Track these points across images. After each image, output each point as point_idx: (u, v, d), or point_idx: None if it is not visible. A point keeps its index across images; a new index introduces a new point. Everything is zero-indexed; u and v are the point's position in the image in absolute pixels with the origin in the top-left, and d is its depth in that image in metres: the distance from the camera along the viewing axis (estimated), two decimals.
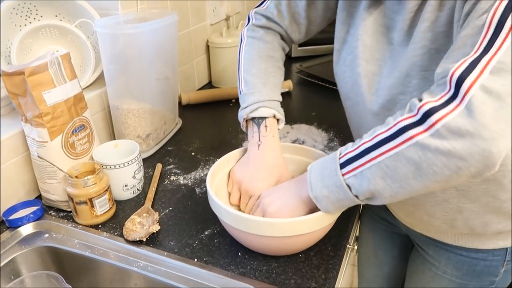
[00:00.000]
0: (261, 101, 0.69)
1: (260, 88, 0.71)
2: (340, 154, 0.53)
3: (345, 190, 0.52)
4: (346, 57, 0.65)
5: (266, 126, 0.69)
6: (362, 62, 0.62)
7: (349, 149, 0.52)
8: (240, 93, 0.73)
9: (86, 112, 0.77)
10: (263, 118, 0.69)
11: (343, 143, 0.97)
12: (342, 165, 0.52)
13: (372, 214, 0.88)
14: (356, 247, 0.85)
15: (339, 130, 1.04)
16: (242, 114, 0.71)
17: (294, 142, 0.98)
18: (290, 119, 1.11)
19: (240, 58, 0.75)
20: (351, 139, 0.59)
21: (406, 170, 0.46)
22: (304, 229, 0.58)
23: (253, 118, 0.70)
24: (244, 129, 0.74)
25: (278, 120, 0.71)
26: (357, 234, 0.94)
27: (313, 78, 1.37)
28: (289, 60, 1.62)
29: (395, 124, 0.47)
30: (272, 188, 0.65)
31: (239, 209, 0.69)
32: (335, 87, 1.33)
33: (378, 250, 0.90)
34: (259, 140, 0.68)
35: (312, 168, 0.57)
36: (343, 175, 0.52)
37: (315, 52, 1.55)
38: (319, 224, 0.59)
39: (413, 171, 0.46)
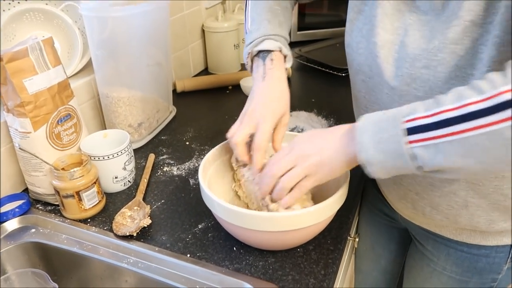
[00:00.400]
0: (266, 35, 0.65)
1: (266, 24, 0.66)
2: (405, 116, 0.45)
3: (407, 160, 0.44)
4: (362, 27, 0.59)
5: (272, 59, 0.63)
6: (380, 32, 0.56)
7: (421, 114, 0.44)
8: (246, 33, 0.69)
9: (73, 101, 0.73)
10: (269, 51, 0.64)
11: None
12: (410, 131, 0.44)
13: (370, 207, 0.85)
14: (357, 239, 0.82)
15: (340, 117, 1.00)
16: (246, 50, 0.66)
17: (292, 130, 0.94)
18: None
19: (247, 1, 0.72)
20: None
21: (499, 153, 0.40)
22: (304, 222, 0.55)
23: (258, 54, 0.65)
24: (248, 69, 0.68)
25: (285, 57, 0.66)
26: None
27: (313, 63, 1.32)
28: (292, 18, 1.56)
29: (494, 95, 0.39)
30: (309, 133, 0.55)
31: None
32: (335, 72, 1.30)
33: (376, 244, 0.87)
34: (264, 73, 0.63)
35: (363, 127, 0.48)
36: (409, 142, 0.44)
37: (315, 37, 1.50)
38: (320, 217, 0.56)
39: (506, 154, 0.39)
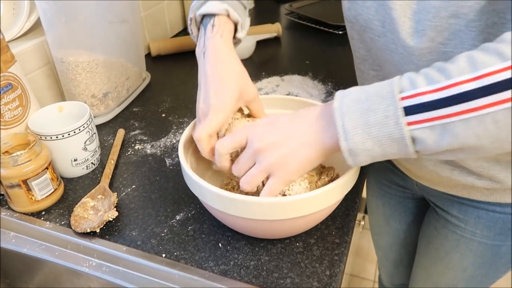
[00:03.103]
0: None
1: None
2: (401, 91, 0.36)
3: (404, 144, 0.36)
4: None
5: (213, 26, 0.51)
6: None
7: (424, 88, 0.35)
8: None
9: (14, 67, 0.59)
10: (211, 16, 0.51)
11: None
12: (408, 110, 0.35)
13: (379, 179, 0.75)
14: (362, 223, 0.72)
15: (339, 81, 0.87)
16: (189, 14, 0.53)
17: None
18: (280, 70, 0.93)
19: None
20: None
21: None
22: (312, 208, 0.44)
23: (202, 20, 0.53)
24: (194, 39, 0.56)
25: (236, 24, 0.53)
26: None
27: (305, 20, 1.17)
28: (276, 0, 1.41)
29: None
30: (272, 119, 0.45)
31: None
32: (331, 30, 1.16)
33: (391, 219, 0.78)
34: (204, 45, 0.51)
35: (343, 108, 0.38)
36: (408, 124, 0.35)
37: None
38: (327, 202, 0.45)
39: None
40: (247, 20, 0.55)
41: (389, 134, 0.36)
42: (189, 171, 0.46)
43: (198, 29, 0.54)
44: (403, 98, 0.35)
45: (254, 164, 0.43)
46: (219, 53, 0.50)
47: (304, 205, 0.43)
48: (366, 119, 0.37)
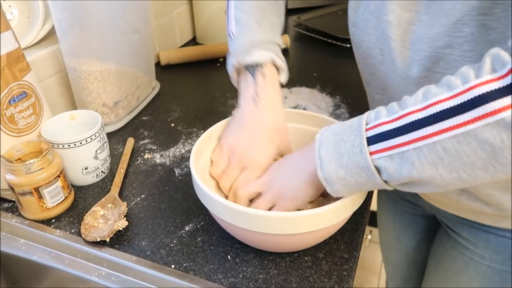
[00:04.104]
0: (254, 42, 0.53)
1: (255, 27, 0.55)
2: (367, 123, 0.39)
3: (371, 173, 0.38)
4: (370, 2, 0.48)
5: (264, 75, 0.53)
6: (394, 7, 0.45)
7: (384, 119, 0.38)
8: (230, 37, 0.57)
9: (29, 76, 0.60)
10: (259, 64, 0.53)
11: (352, 109, 0.81)
12: (371, 140, 0.38)
13: (390, 194, 0.75)
14: (369, 237, 0.72)
15: (347, 94, 0.88)
16: (231, 61, 0.55)
17: (294, 108, 0.82)
18: (288, 82, 0.93)
19: None
20: (364, 105, 0.43)
21: (474, 157, 0.33)
22: (326, 222, 0.45)
23: (246, 66, 0.54)
24: (234, 83, 0.58)
25: (278, 69, 0.56)
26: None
27: (314, 33, 1.18)
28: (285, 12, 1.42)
29: (467, 89, 0.32)
30: (277, 163, 0.51)
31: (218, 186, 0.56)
32: (339, 43, 1.17)
33: (401, 236, 0.78)
34: (256, 93, 0.53)
35: (322, 139, 0.42)
36: (371, 153, 0.38)
37: (315, 3, 1.36)
38: (343, 215, 0.47)
39: (485, 159, 0.32)
40: (285, 62, 0.57)
41: (357, 162, 0.39)
42: (200, 183, 0.47)
43: (238, 73, 0.56)
44: (367, 129, 0.39)
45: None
46: (269, 106, 0.53)
47: (314, 220, 0.44)
48: (338, 149, 0.40)
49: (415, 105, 0.36)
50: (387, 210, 0.77)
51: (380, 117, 0.38)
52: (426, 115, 0.34)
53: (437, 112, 0.34)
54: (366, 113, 0.41)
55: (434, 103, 0.34)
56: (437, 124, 0.33)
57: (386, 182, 0.39)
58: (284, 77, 0.56)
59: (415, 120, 0.35)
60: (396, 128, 0.36)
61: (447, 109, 0.33)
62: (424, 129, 0.34)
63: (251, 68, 0.54)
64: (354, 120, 0.41)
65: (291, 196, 0.47)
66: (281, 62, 0.55)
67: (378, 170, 0.38)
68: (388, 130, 0.37)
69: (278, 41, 0.57)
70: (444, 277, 0.67)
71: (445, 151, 0.33)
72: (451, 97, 0.33)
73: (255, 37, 0.54)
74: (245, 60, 0.53)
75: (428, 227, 0.75)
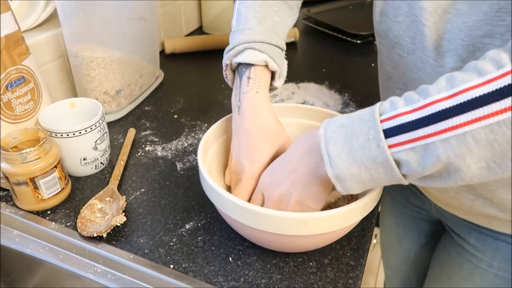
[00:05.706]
0: (250, 42, 0.49)
1: (253, 24, 0.50)
2: (381, 114, 0.36)
3: (390, 167, 0.35)
4: None
5: (249, 78, 0.49)
6: None
7: (402, 109, 0.34)
8: (231, 31, 0.54)
9: (28, 60, 0.57)
10: (249, 66, 0.49)
11: (361, 108, 0.78)
12: (388, 133, 0.34)
13: (395, 196, 0.73)
14: (374, 241, 0.70)
15: (356, 92, 0.85)
16: (225, 59, 0.51)
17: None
18: (296, 76, 0.91)
19: None
20: (373, 103, 0.40)
21: (506, 146, 0.31)
22: (337, 225, 0.43)
23: (238, 67, 0.51)
24: (229, 83, 0.54)
25: (274, 73, 0.51)
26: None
27: (323, 27, 1.15)
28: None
29: (503, 75, 0.30)
30: (272, 165, 0.47)
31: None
32: (349, 39, 1.14)
33: (403, 239, 0.76)
34: (239, 100, 0.49)
35: (328, 134, 0.38)
36: (390, 147, 0.34)
37: None
38: (354, 218, 0.44)
39: None
40: (285, 65, 0.52)
41: (373, 157, 0.35)
42: (209, 179, 0.45)
43: (233, 72, 0.52)
44: (383, 121, 0.35)
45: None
46: (253, 112, 0.49)
47: (325, 222, 0.42)
48: (350, 144, 0.36)
49: (440, 93, 0.33)
50: (391, 212, 0.75)
51: (396, 107, 0.35)
52: (454, 104, 0.31)
53: (467, 100, 0.31)
54: (377, 104, 0.37)
55: (463, 90, 0.31)
56: (468, 113, 0.31)
57: (404, 176, 0.36)
58: (280, 81, 0.52)
59: (443, 110, 0.32)
60: (420, 118, 0.33)
61: (479, 96, 0.30)
62: (453, 118, 0.31)
63: (240, 70, 0.50)
64: (365, 111, 0.37)
65: (296, 196, 0.44)
66: (276, 65, 0.50)
67: (398, 164, 0.35)
68: (409, 121, 0.34)
69: (278, 42, 0.51)
70: (448, 284, 0.65)
71: (476, 141, 0.31)
72: (483, 83, 0.31)
73: (250, 36, 0.49)
74: (236, 60, 0.49)
75: (431, 232, 0.73)
